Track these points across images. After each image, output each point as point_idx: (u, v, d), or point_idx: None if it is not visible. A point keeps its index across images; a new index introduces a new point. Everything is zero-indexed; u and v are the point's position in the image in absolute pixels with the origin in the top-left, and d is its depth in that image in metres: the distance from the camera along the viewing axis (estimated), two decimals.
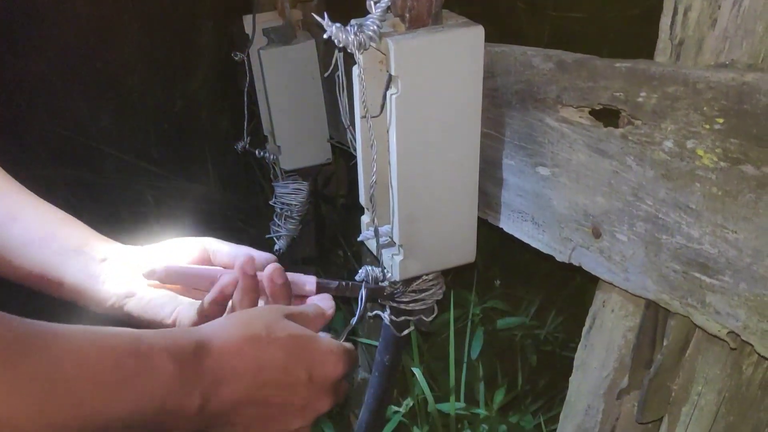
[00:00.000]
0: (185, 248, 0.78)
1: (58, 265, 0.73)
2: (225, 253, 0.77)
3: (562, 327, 1.46)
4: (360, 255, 1.76)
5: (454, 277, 1.43)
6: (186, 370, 0.52)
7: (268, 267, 0.73)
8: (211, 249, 0.78)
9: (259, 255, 0.76)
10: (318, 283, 0.80)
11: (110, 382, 0.47)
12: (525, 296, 1.49)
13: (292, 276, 0.77)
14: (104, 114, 2.20)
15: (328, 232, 1.86)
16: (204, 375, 0.53)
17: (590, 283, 0.80)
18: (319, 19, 0.78)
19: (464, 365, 1.31)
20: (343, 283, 0.85)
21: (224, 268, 0.76)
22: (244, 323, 0.59)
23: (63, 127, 2.10)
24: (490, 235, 0.94)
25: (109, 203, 1.97)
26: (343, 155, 1.58)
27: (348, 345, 0.66)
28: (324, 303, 0.74)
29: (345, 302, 1.61)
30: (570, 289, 1.45)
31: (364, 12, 0.77)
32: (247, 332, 0.58)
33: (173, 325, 0.73)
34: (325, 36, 0.76)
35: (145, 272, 0.73)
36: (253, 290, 0.72)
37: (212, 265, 0.78)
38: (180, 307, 0.73)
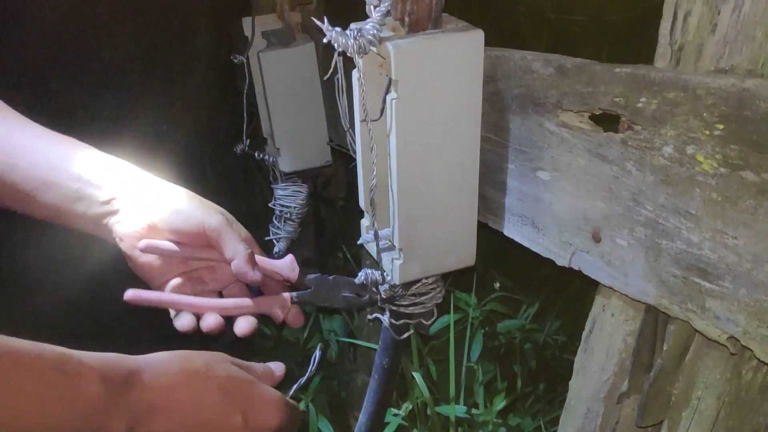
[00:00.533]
0: (189, 219, 0.74)
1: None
2: (227, 247, 0.74)
3: (562, 330, 1.46)
4: (360, 258, 1.76)
5: (454, 280, 1.43)
6: (114, 395, 0.51)
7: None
8: (213, 236, 0.74)
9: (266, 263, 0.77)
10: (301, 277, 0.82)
11: (32, 397, 0.47)
12: (525, 299, 1.49)
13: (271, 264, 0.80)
14: (102, 115, 2.19)
15: (328, 235, 1.86)
16: (133, 404, 0.53)
17: (590, 287, 0.80)
18: (318, 23, 0.78)
19: (464, 368, 1.31)
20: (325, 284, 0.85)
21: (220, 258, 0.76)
22: (184, 358, 0.59)
23: (60, 129, 2.09)
24: (490, 238, 0.94)
25: None
26: (343, 157, 1.57)
27: (291, 401, 0.66)
28: (275, 366, 0.73)
29: (346, 310, 1.61)
30: (570, 293, 1.45)
31: (363, 16, 0.77)
32: (186, 366, 0.58)
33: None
34: (324, 40, 0.76)
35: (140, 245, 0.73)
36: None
37: (209, 245, 0.75)
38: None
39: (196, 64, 2.21)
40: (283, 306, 0.79)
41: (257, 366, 0.68)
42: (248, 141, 1.43)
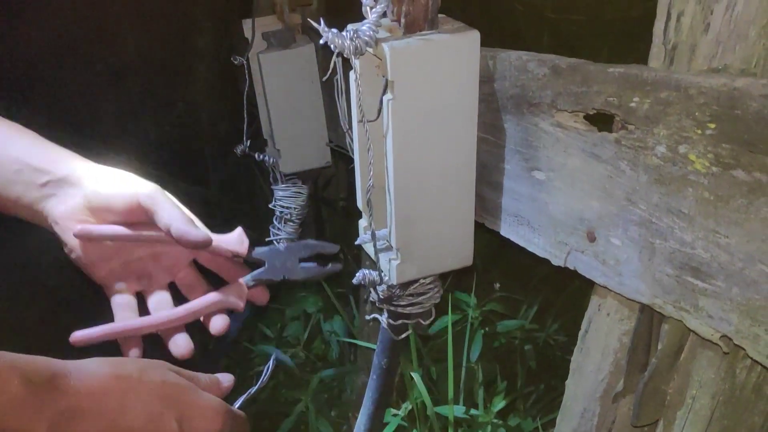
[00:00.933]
0: (121, 191, 0.72)
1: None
2: (164, 214, 0.70)
3: (562, 330, 1.46)
4: (360, 258, 1.77)
5: (453, 280, 1.43)
6: (36, 396, 0.51)
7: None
8: (148, 204, 0.71)
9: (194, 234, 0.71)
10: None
11: None
12: (524, 299, 1.49)
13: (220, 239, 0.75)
14: (104, 117, 2.20)
15: (328, 236, 1.86)
16: (55, 405, 0.52)
17: (589, 287, 0.80)
18: (315, 24, 0.78)
19: (463, 369, 1.31)
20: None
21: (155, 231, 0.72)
22: (115, 364, 0.58)
23: (63, 131, 2.10)
24: (489, 238, 0.94)
25: None
26: (343, 159, 1.58)
27: (235, 410, 0.64)
28: (223, 378, 0.69)
29: (345, 306, 1.62)
30: (569, 293, 1.46)
31: (362, 17, 0.77)
32: (117, 371, 0.57)
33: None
34: (321, 42, 0.76)
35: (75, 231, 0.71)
36: None
37: (146, 219, 0.72)
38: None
39: (197, 65, 2.22)
40: (239, 294, 0.75)
41: (201, 376, 0.66)
42: (249, 142, 1.44)
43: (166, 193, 0.74)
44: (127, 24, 2.28)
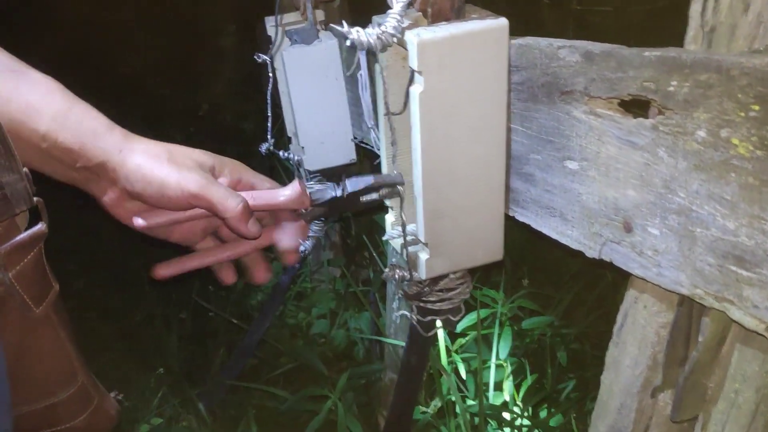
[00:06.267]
0: (164, 189, 0.67)
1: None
2: (216, 205, 0.68)
3: (593, 326, 1.44)
4: (386, 256, 1.75)
5: (482, 276, 1.41)
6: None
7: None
8: (196, 201, 0.68)
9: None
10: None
11: None
12: (554, 295, 1.47)
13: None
14: (131, 118, 2.22)
15: (353, 233, 1.85)
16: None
17: (622, 281, 0.78)
18: (338, 27, 0.77)
19: (493, 365, 1.29)
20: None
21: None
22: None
23: None
24: (518, 233, 0.92)
25: None
26: (368, 155, 1.57)
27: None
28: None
29: (372, 303, 1.61)
30: (600, 288, 1.43)
31: (386, 8, 0.76)
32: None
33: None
34: (347, 44, 0.75)
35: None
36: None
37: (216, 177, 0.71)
38: None
39: (221, 66, 2.23)
40: (302, 231, 0.77)
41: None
42: (273, 140, 1.43)
43: (218, 165, 0.72)
44: (151, 27, 2.31)
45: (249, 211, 0.69)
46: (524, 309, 1.43)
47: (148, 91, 2.30)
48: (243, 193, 0.70)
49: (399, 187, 0.80)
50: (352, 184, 0.79)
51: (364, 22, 0.79)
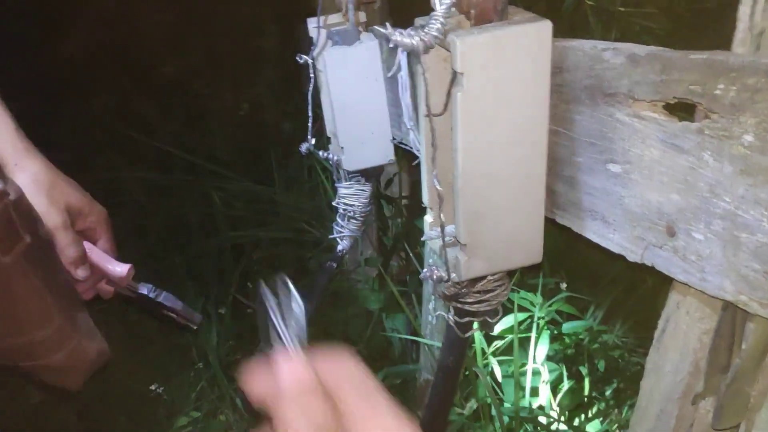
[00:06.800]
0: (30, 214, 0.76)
1: None
2: (60, 247, 0.81)
3: (632, 332, 1.42)
4: (422, 257, 1.76)
5: (520, 279, 1.41)
6: None
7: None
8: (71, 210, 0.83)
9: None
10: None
11: None
12: (593, 299, 1.46)
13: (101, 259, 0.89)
14: (173, 117, 2.27)
15: (390, 234, 1.86)
16: None
17: (662, 286, 0.77)
18: (381, 29, 0.78)
19: (530, 369, 1.28)
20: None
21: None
22: None
23: (134, 130, 2.18)
24: (556, 236, 0.92)
25: (178, 204, 2.03)
26: (406, 156, 1.57)
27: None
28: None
29: (408, 302, 1.61)
30: (640, 293, 1.41)
31: (428, 9, 0.77)
32: None
33: None
34: (390, 45, 0.76)
35: None
36: None
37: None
38: None
39: (262, 66, 2.26)
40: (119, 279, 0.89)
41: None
42: (314, 140, 1.45)
43: (80, 209, 0.86)
44: (195, 26, 2.35)
45: (82, 261, 0.83)
46: (562, 312, 1.42)
47: (190, 90, 2.34)
48: (88, 245, 0.86)
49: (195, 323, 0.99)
50: (165, 298, 0.94)
51: (404, 23, 0.80)
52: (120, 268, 0.90)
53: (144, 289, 0.92)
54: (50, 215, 0.79)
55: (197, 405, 1.65)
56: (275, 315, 0.38)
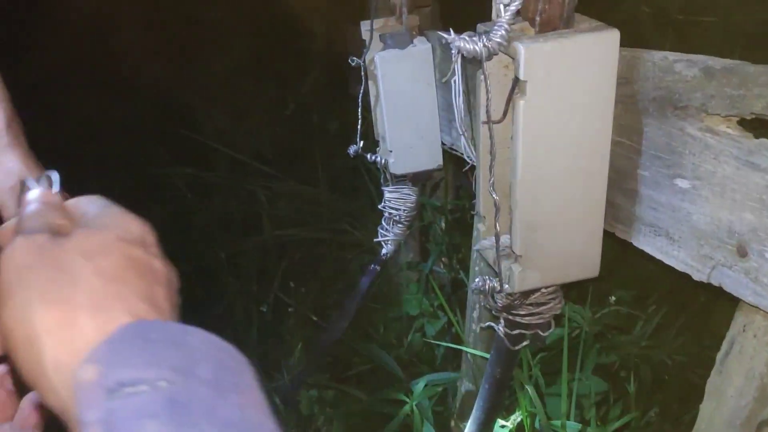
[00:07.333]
0: None
1: None
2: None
3: (683, 349, 1.37)
4: (464, 261, 1.73)
5: (567, 290, 1.38)
6: None
7: None
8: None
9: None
10: None
11: None
12: (642, 314, 1.42)
13: None
14: (220, 115, 2.30)
15: (433, 239, 1.85)
16: None
17: (716, 303, 0.75)
18: (444, 34, 0.77)
19: (575, 383, 1.25)
20: None
21: None
22: None
23: (182, 128, 2.21)
24: (605, 246, 0.89)
25: (223, 201, 2.05)
26: (452, 161, 1.56)
27: None
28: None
29: (450, 308, 1.59)
30: (692, 309, 1.37)
31: (480, 13, 0.75)
32: None
33: None
34: (453, 52, 0.75)
35: None
36: None
37: None
38: None
39: (309, 67, 2.27)
40: None
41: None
42: (362, 143, 1.44)
43: None
44: (242, 26, 2.37)
45: None
46: (609, 326, 1.38)
47: (238, 88, 2.36)
48: None
49: None
50: None
51: (455, 27, 0.78)
52: None
53: None
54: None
55: None
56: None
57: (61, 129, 2.09)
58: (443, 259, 1.83)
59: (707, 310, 1.29)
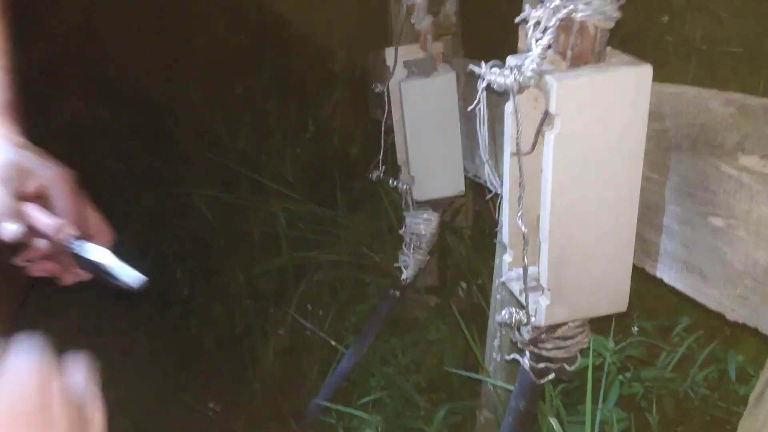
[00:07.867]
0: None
1: None
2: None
3: (706, 382, 1.35)
4: (484, 287, 1.72)
5: (590, 321, 1.36)
6: None
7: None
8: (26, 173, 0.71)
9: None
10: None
11: None
12: (665, 346, 1.40)
13: None
14: (242, 137, 2.32)
15: (452, 265, 1.84)
16: None
17: (742, 338, 0.73)
18: (475, 67, 0.77)
19: (598, 414, 1.24)
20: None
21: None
22: None
23: (204, 148, 2.23)
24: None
25: (243, 222, 2.06)
26: (473, 188, 1.56)
27: None
28: None
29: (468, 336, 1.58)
30: (716, 343, 1.35)
31: (504, 44, 0.75)
32: None
33: None
34: (483, 84, 0.75)
35: None
36: None
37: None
38: None
39: (330, 90, 2.28)
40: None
41: None
42: (383, 168, 1.45)
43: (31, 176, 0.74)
44: (266, 49, 2.40)
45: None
46: (632, 358, 1.36)
47: (259, 109, 2.38)
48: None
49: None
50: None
51: (478, 54, 0.78)
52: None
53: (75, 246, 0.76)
54: None
55: (250, 422, 1.65)
56: None
57: (82, 146, 2.12)
58: (462, 284, 1.83)
59: (731, 343, 1.27)
